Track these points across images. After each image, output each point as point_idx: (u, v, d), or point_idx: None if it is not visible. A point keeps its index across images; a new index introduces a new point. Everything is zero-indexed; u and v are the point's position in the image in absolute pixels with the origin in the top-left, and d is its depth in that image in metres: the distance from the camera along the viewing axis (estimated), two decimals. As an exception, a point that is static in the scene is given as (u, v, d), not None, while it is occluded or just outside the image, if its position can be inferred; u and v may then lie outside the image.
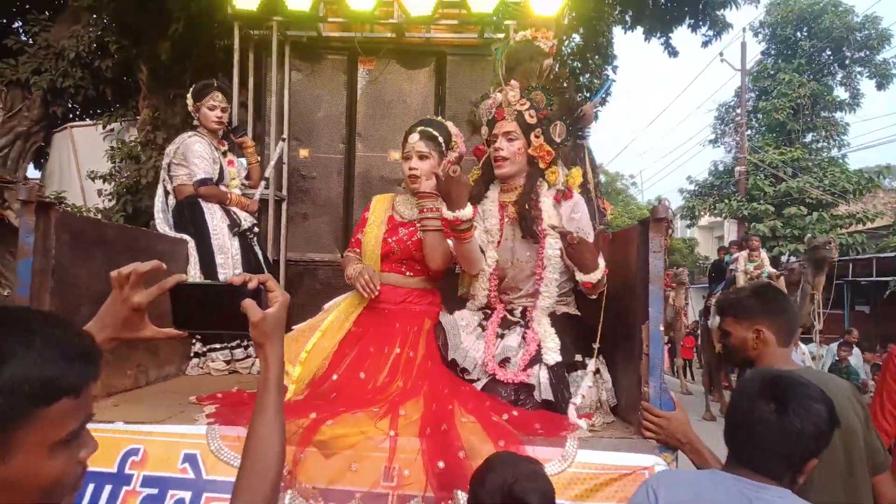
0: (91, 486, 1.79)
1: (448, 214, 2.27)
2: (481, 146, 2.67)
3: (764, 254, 8.84)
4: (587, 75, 10.24)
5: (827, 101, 18.24)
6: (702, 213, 19.63)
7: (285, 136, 3.91)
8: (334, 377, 2.33)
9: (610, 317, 2.37)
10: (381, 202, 2.77)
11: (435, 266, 2.56)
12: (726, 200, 17.93)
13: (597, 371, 2.29)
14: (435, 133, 2.60)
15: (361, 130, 4.06)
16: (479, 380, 2.30)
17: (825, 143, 18.39)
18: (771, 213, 16.66)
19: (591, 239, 2.39)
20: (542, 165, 2.49)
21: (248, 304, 1.08)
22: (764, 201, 16.85)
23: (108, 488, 1.79)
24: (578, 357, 2.28)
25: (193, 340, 3.14)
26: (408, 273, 2.61)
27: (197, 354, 3.13)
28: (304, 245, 3.99)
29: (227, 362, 3.15)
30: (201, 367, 3.12)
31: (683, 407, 1.97)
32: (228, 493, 1.83)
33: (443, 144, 2.61)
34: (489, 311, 2.54)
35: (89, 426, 0.83)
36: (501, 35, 3.76)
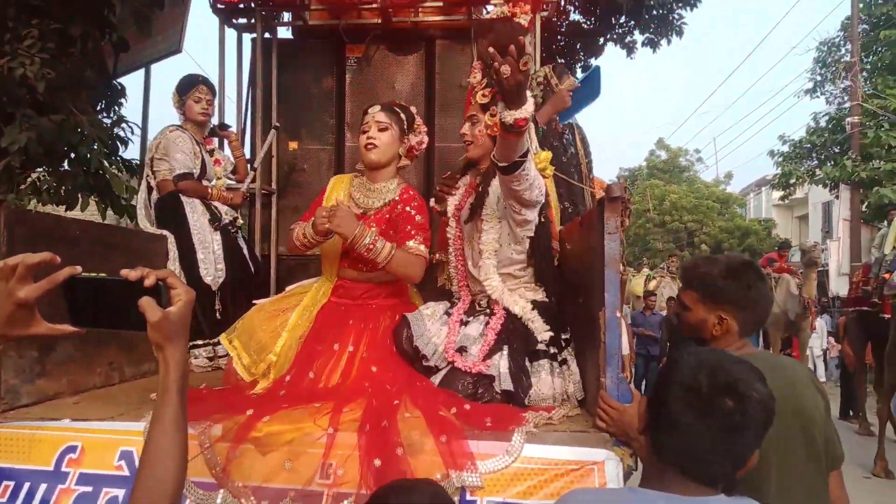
0: (26, 485, 2.02)
1: (509, 117, 2.00)
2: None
3: None
4: None
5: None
6: (801, 182, 17.60)
7: (277, 123, 4.14)
8: (287, 378, 2.52)
9: (575, 305, 2.45)
10: (340, 183, 2.89)
11: (417, 280, 2.69)
12: (832, 162, 16.09)
13: (564, 361, 2.38)
14: (397, 109, 2.74)
15: (350, 120, 4.30)
16: (439, 369, 2.44)
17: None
18: (898, 174, 14.98)
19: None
20: None
21: (147, 303, 1.11)
22: (888, 159, 14.80)
23: (42, 487, 2.01)
24: (542, 346, 2.37)
25: None
26: (364, 268, 2.71)
27: (179, 351, 3.39)
28: (297, 239, 4.24)
29: (210, 359, 3.41)
30: (184, 364, 3.38)
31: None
32: (162, 490, 2.07)
33: (405, 122, 2.74)
34: (457, 301, 2.68)
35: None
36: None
